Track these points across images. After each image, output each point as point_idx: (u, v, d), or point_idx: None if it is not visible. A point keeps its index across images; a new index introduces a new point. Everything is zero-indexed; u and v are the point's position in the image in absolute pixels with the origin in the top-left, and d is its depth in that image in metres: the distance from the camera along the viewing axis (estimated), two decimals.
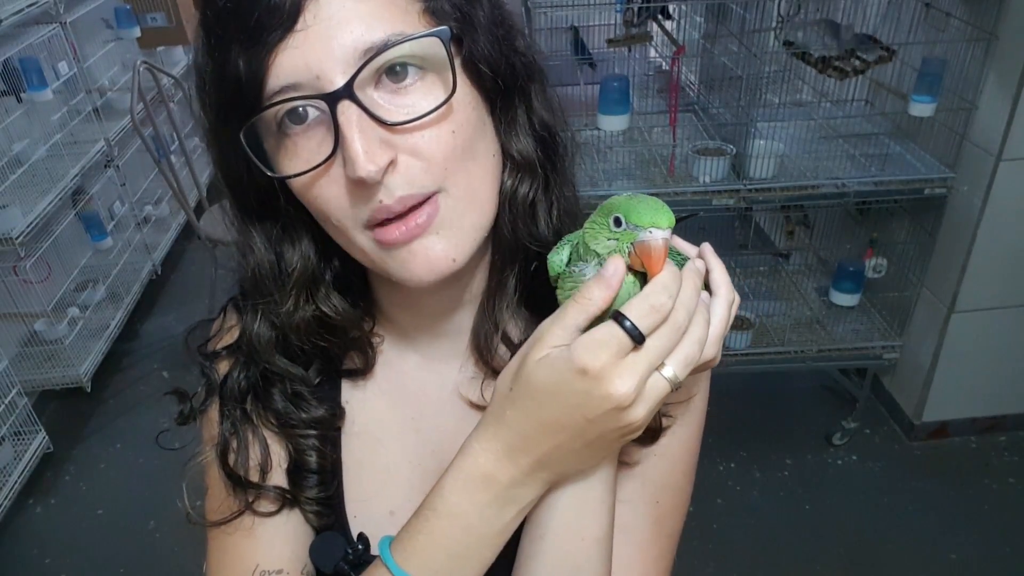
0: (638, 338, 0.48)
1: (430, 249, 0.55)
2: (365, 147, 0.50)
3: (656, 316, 0.49)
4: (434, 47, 0.52)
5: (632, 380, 0.48)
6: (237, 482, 0.66)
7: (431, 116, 0.52)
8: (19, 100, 2.68)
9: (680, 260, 0.54)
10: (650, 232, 0.50)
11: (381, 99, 0.52)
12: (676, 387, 0.50)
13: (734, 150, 2.17)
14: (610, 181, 2.19)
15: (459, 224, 0.56)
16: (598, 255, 0.53)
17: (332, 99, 0.50)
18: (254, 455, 0.67)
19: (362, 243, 0.56)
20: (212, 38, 0.52)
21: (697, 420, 0.70)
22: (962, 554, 2.18)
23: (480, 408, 0.67)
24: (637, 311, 0.48)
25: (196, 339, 0.72)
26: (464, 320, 0.68)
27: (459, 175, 0.55)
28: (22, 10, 2.55)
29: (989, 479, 2.40)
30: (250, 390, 0.67)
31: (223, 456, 0.67)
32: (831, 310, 2.52)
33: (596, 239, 0.53)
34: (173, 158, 3.36)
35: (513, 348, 0.66)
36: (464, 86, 0.55)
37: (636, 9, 2.34)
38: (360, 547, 0.66)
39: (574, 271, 0.55)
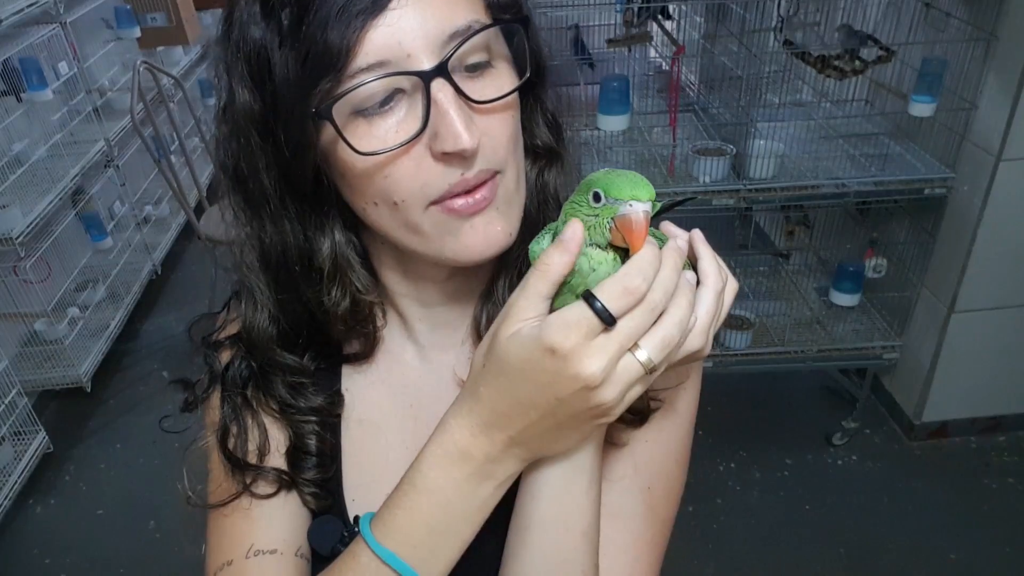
0: (608, 319, 0.48)
1: (490, 224, 0.58)
2: (464, 122, 0.53)
3: (629, 298, 0.48)
4: (498, 38, 0.57)
5: (601, 361, 0.48)
6: (236, 464, 0.67)
7: (502, 100, 0.56)
8: (19, 100, 2.68)
9: (659, 239, 0.54)
10: (630, 205, 0.49)
11: (462, 82, 0.54)
12: (651, 370, 0.49)
13: (734, 150, 2.17)
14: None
15: (514, 203, 0.59)
16: (587, 242, 0.52)
17: (428, 76, 0.52)
18: (253, 439, 0.68)
19: (420, 219, 0.57)
20: (293, 13, 0.52)
21: (689, 408, 0.70)
22: (962, 554, 2.18)
23: None
24: (609, 292, 0.48)
25: (199, 330, 0.73)
26: (465, 310, 0.69)
27: (513, 158, 0.58)
28: (22, 10, 2.55)
29: (989, 479, 2.40)
30: (251, 378, 0.68)
31: (223, 440, 0.68)
32: (831, 310, 2.52)
33: (576, 217, 0.52)
34: (173, 158, 3.36)
35: None
36: (515, 77, 0.58)
37: (636, 9, 2.34)
38: (357, 530, 0.66)
39: None
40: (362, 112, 0.54)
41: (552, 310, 0.51)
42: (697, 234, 0.56)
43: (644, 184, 0.50)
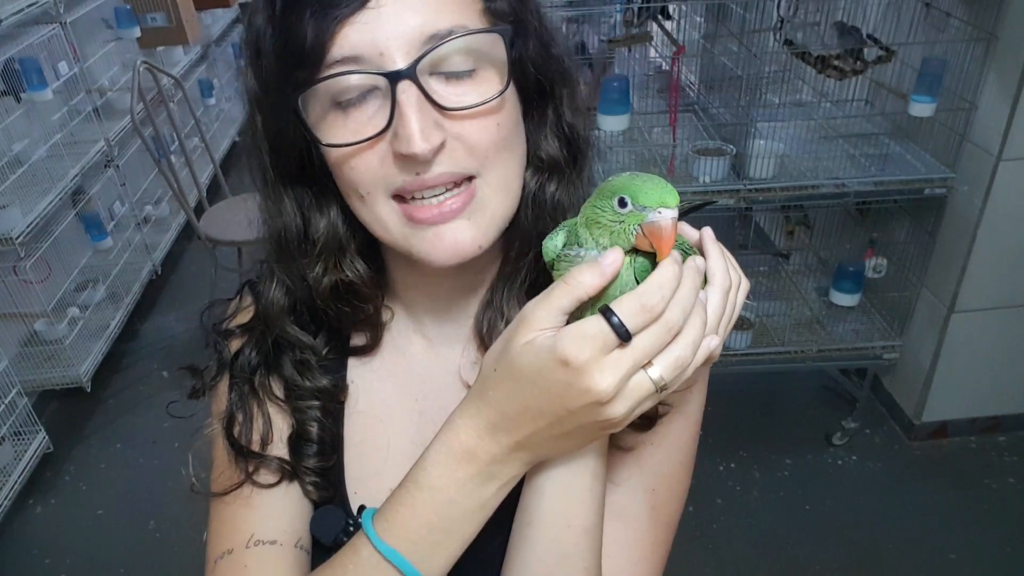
0: (624, 335, 0.48)
1: (458, 232, 0.58)
2: (421, 126, 0.53)
3: (646, 315, 0.48)
4: (491, 44, 0.56)
5: (614, 377, 0.48)
6: (239, 451, 0.68)
7: (482, 107, 0.55)
8: (18, 100, 2.67)
9: (682, 245, 0.54)
10: (659, 212, 0.49)
11: (437, 86, 0.55)
12: (661, 388, 0.50)
13: (734, 150, 2.17)
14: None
15: (490, 212, 0.59)
16: (596, 242, 0.52)
17: (394, 77, 0.53)
18: (257, 428, 0.69)
19: (386, 215, 0.58)
20: (283, 5, 0.54)
21: (695, 411, 0.70)
22: (962, 554, 2.18)
23: None
24: (627, 308, 0.48)
25: (212, 317, 0.74)
26: (471, 305, 0.70)
27: (497, 166, 0.58)
28: (22, 10, 2.55)
29: (989, 479, 2.40)
30: (260, 365, 0.69)
31: (228, 427, 0.68)
32: (831, 310, 2.52)
33: (598, 222, 0.52)
34: (173, 158, 3.37)
35: None
36: (510, 87, 0.58)
37: (636, 9, 2.34)
38: (359, 520, 0.66)
39: (569, 254, 0.55)
40: (340, 104, 0.55)
41: (568, 320, 0.51)
42: (707, 232, 0.56)
43: (671, 190, 0.50)
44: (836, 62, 2.15)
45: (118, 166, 3.19)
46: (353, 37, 0.52)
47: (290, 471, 0.68)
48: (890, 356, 2.44)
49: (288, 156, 0.61)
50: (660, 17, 2.40)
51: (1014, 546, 2.19)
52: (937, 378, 2.40)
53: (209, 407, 0.72)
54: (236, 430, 0.68)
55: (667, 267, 0.49)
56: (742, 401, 2.69)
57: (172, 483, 2.41)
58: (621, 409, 0.50)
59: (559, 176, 0.64)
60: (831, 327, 2.48)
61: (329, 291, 0.65)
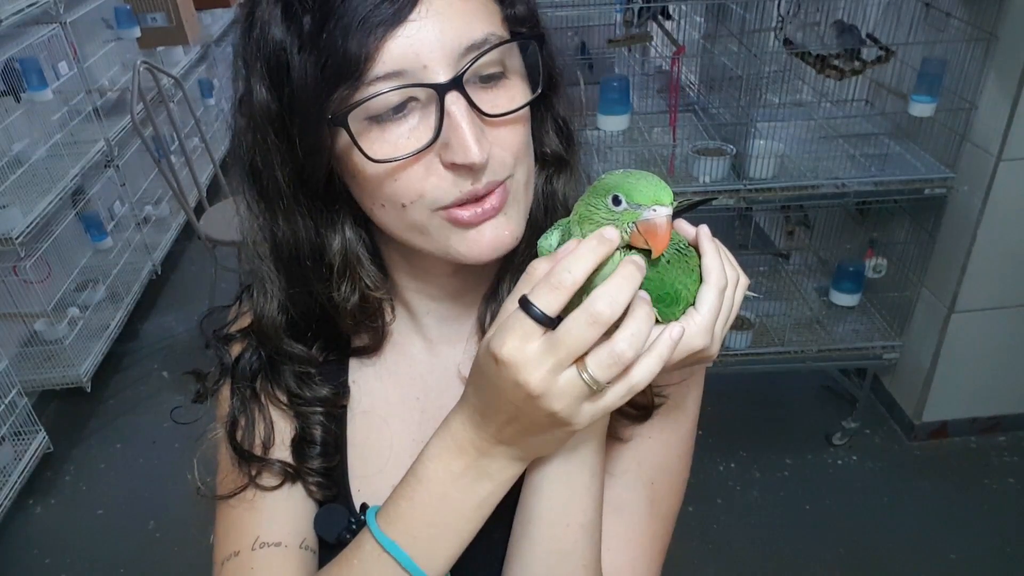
0: (543, 320, 0.48)
1: (498, 229, 0.58)
2: (475, 136, 0.53)
3: (556, 293, 0.47)
4: (513, 51, 0.58)
5: (539, 371, 0.48)
6: (242, 455, 0.68)
7: (517, 113, 0.57)
8: (18, 100, 2.68)
9: (678, 243, 0.54)
10: (654, 210, 0.49)
11: (475, 95, 0.55)
12: (597, 389, 0.49)
13: (734, 150, 2.17)
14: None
15: (521, 207, 0.60)
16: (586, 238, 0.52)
17: (443, 89, 0.53)
18: (259, 432, 0.69)
19: (426, 221, 0.58)
20: (314, 18, 0.52)
21: (692, 405, 0.71)
22: (962, 554, 2.18)
23: None
24: (539, 290, 0.48)
25: (211, 323, 0.74)
26: (472, 304, 0.70)
27: (523, 164, 0.59)
28: (22, 10, 2.55)
29: (989, 479, 2.40)
30: (261, 370, 0.70)
31: (231, 431, 0.69)
32: (831, 310, 2.52)
33: (592, 220, 0.51)
34: (173, 158, 3.37)
35: None
36: (528, 89, 0.59)
37: (636, 9, 2.34)
38: (363, 518, 0.67)
39: None
40: (375, 118, 0.55)
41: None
42: (703, 229, 0.56)
43: (665, 188, 0.50)
44: (835, 62, 2.15)
45: (118, 166, 3.19)
46: (396, 51, 0.52)
47: (293, 473, 0.69)
48: (890, 356, 2.44)
49: (312, 178, 0.59)
50: (660, 17, 2.40)
51: (1014, 546, 2.19)
52: (937, 378, 2.40)
53: (213, 411, 0.73)
54: (239, 434, 0.69)
55: (581, 244, 0.48)
56: (742, 401, 2.69)
57: (172, 483, 2.41)
58: (560, 405, 0.49)
59: (563, 170, 0.66)
60: (831, 327, 2.48)
61: (358, 308, 0.65)
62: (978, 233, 2.14)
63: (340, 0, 0.51)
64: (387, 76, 0.52)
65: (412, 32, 0.52)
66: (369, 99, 0.53)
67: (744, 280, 0.56)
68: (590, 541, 0.60)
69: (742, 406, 2.67)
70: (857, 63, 2.15)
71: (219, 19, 4.67)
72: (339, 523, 0.67)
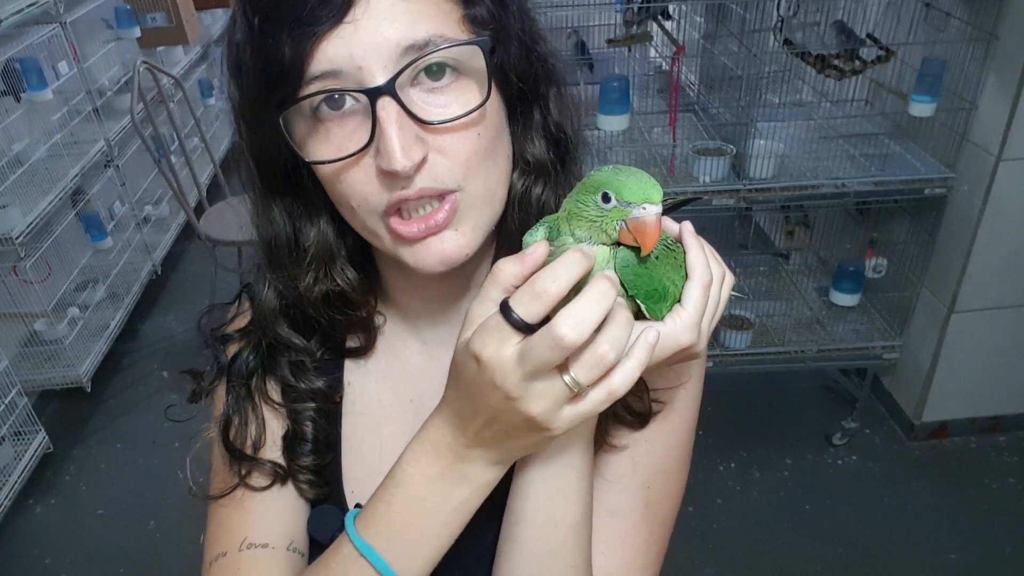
0: (520, 326, 0.47)
1: (445, 243, 0.57)
2: (403, 143, 0.52)
3: (538, 302, 0.47)
4: (472, 53, 0.55)
5: (516, 373, 0.48)
6: (233, 454, 0.68)
7: (462, 119, 0.54)
8: (18, 100, 2.68)
9: (664, 240, 0.54)
10: (643, 208, 0.49)
11: (417, 97, 0.54)
12: (578, 391, 0.48)
13: (734, 150, 2.17)
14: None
15: (474, 220, 0.58)
16: (573, 235, 0.52)
17: (374, 94, 0.52)
18: (251, 431, 0.69)
19: (377, 227, 0.58)
20: (259, 20, 0.53)
21: (690, 408, 0.70)
22: (962, 554, 2.18)
23: None
24: (519, 296, 0.48)
25: (210, 322, 0.74)
26: (466, 307, 0.69)
27: (479, 175, 0.57)
28: (22, 10, 2.55)
29: (989, 479, 2.41)
30: (257, 368, 0.70)
31: (224, 430, 0.69)
32: (831, 310, 2.52)
33: (581, 216, 0.51)
34: (173, 158, 3.36)
35: None
36: (492, 93, 0.57)
37: (636, 9, 2.34)
38: None
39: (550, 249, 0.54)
40: (321, 119, 0.55)
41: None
42: (687, 226, 0.56)
43: (654, 185, 0.49)
44: (835, 62, 2.15)
45: (118, 166, 3.19)
46: (331, 52, 0.52)
47: (283, 474, 0.69)
48: (890, 356, 2.44)
49: (274, 169, 0.61)
50: (660, 17, 2.40)
51: (1014, 546, 2.19)
52: (937, 378, 2.40)
53: (208, 410, 0.73)
54: (232, 433, 0.69)
55: (567, 255, 0.48)
56: (742, 401, 2.69)
57: (172, 483, 2.41)
58: (538, 408, 0.49)
59: (545, 178, 0.63)
60: (831, 327, 2.48)
61: (320, 300, 0.65)
62: (978, 233, 2.14)
63: (281, 2, 0.52)
64: (322, 76, 0.53)
65: (347, 34, 0.52)
66: (301, 99, 0.53)
67: (730, 277, 0.56)
68: (579, 542, 0.60)
69: (742, 406, 2.67)
70: (857, 63, 2.15)
71: (219, 19, 4.67)
72: (332, 524, 0.67)
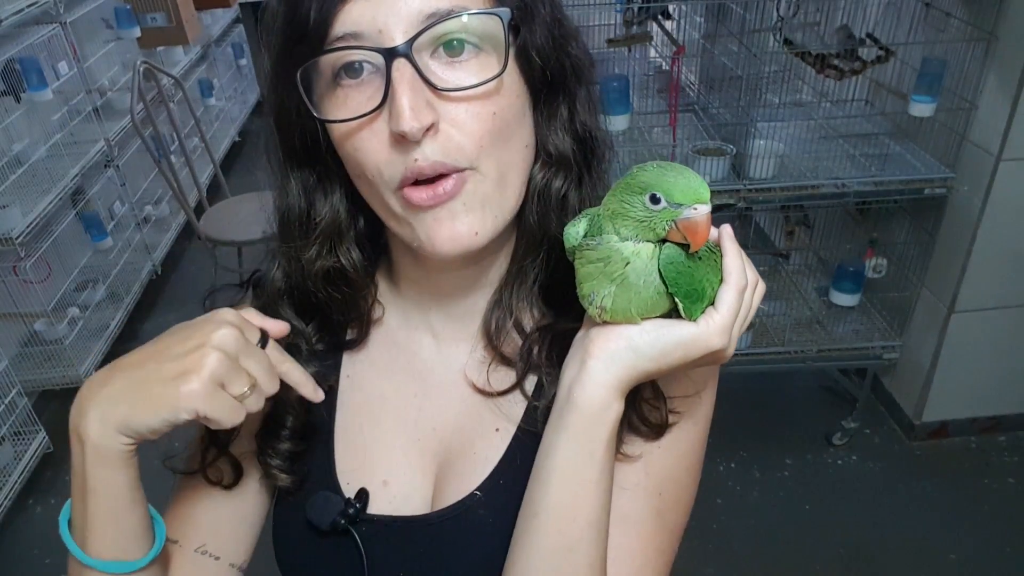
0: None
1: (456, 218, 0.57)
2: (412, 103, 0.53)
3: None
4: (493, 27, 0.55)
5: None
6: (212, 438, 0.69)
7: (478, 90, 0.55)
8: (18, 100, 2.68)
9: (711, 247, 0.55)
10: (695, 209, 0.49)
11: (435, 67, 0.55)
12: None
13: (734, 150, 2.17)
14: (609, 185, 2.19)
15: (486, 203, 0.58)
16: (619, 233, 0.53)
17: (390, 55, 0.53)
18: None
19: (392, 202, 0.58)
20: None
21: (703, 416, 0.70)
22: (962, 554, 2.18)
23: (483, 393, 0.68)
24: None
25: (213, 303, 0.73)
26: (479, 304, 0.69)
27: (492, 157, 0.57)
28: (22, 10, 2.55)
29: (989, 479, 2.41)
30: None
31: None
32: (831, 310, 2.52)
33: (628, 216, 0.52)
34: (173, 158, 3.37)
35: (524, 336, 0.66)
36: (513, 73, 0.57)
37: (636, 9, 2.34)
38: (358, 505, 0.67)
39: (589, 244, 0.55)
40: (341, 82, 0.56)
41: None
42: (726, 230, 0.57)
43: (703, 184, 0.50)
44: (835, 61, 2.15)
45: (118, 166, 3.19)
46: (355, 14, 0.53)
47: (234, 478, 0.70)
48: (890, 356, 2.44)
49: (292, 133, 0.61)
50: (660, 17, 2.40)
51: (1014, 546, 2.19)
52: (937, 378, 2.40)
53: None
54: None
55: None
56: (742, 401, 2.69)
57: (172, 483, 2.40)
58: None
59: (566, 172, 0.63)
60: (831, 327, 2.48)
61: (321, 275, 0.65)
62: (978, 233, 2.14)
63: None
64: (344, 37, 0.53)
65: None
66: (321, 54, 0.54)
67: (762, 285, 0.58)
68: (597, 539, 0.59)
69: (742, 406, 2.67)
70: (857, 63, 2.15)
71: (219, 19, 4.67)
72: (333, 509, 0.67)
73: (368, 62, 0.55)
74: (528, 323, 0.67)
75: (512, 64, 0.57)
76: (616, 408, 0.57)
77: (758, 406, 2.72)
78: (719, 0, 2.37)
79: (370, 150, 0.56)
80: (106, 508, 0.57)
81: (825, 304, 2.54)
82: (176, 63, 3.96)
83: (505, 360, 0.67)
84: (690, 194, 0.49)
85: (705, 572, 2.16)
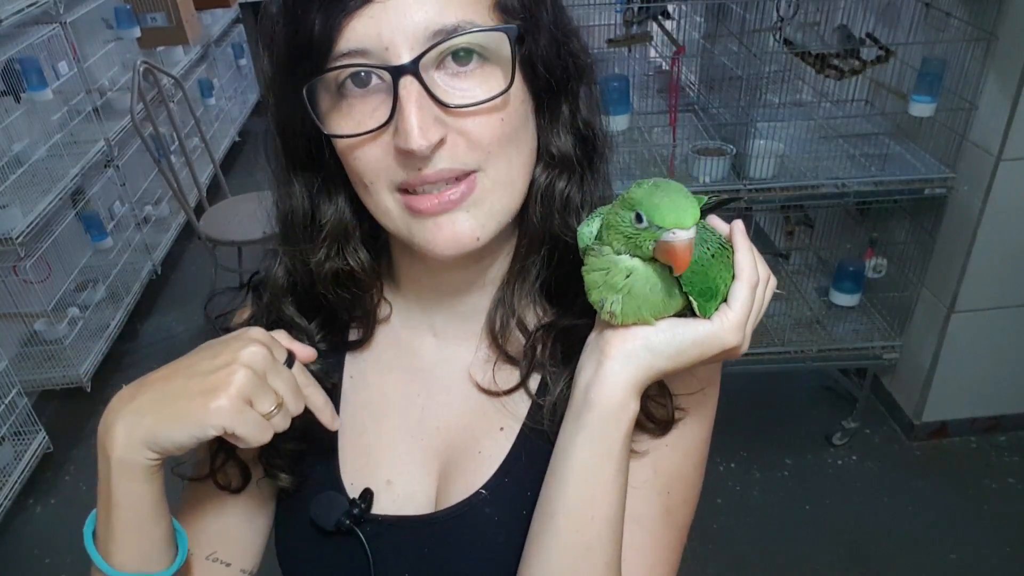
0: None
1: (457, 223, 0.57)
2: (420, 122, 0.53)
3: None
4: (499, 40, 0.55)
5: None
6: (221, 442, 0.68)
7: (484, 105, 0.55)
8: (18, 100, 2.68)
9: (715, 239, 0.55)
10: (673, 233, 0.49)
11: (441, 80, 0.55)
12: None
13: (734, 150, 2.17)
14: (610, 181, 2.19)
15: (489, 205, 0.59)
16: (612, 246, 0.53)
17: (397, 72, 0.53)
18: None
19: (390, 205, 0.58)
20: None
21: (708, 413, 0.70)
22: (962, 554, 2.18)
23: (487, 392, 0.68)
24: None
25: (214, 308, 0.74)
26: (482, 302, 0.69)
27: (499, 160, 0.57)
28: (22, 10, 2.55)
29: (989, 479, 2.41)
30: None
31: None
32: (831, 310, 2.52)
33: (616, 230, 0.52)
34: (173, 158, 3.37)
35: (528, 335, 0.66)
36: (518, 82, 0.57)
37: (636, 9, 2.34)
38: (363, 504, 0.67)
39: (595, 249, 0.55)
40: (345, 95, 0.56)
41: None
42: (737, 226, 0.57)
43: (688, 208, 0.49)
44: (835, 61, 2.15)
45: (118, 166, 3.19)
46: (360, 30, 0.53)
47: (248, 478, 0.70)
48: (890, 356, 2.44)
49: (297, 142, 0.61)
50: (660, 17, 2.40)
51: (1014, 546, 2.19)
52: (937, 378, 2.40)
53: None
54: None
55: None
56: (742, 401, 2.69)
57: (172, 483, 2.40)
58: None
59: (569, 173, 0.63)
60: (831, 327, 2.48)
61: (331, 277, 0.65)
62: (978, 233, 2.14)
63: None
64: (349, 54, 0.53)
65: (376, 13, 0.52)
66: (327, 71, 0.54)
67: (773, 280, 0.57)
68: (613, 537, 0.59)
69: (742, 406, 2.67)
70: (856, 63, 2.15)
71: (219, 19, 4.67)
72: (337, 509, 0.67)
73: (378, 76, 0.55)
74: (531, 321, 0.67)
75: (518, 73, 0.57)
76: (633, 407, 0.57)
77: (758, 406, 2.72)
78: (719, 0, 2.36)
79: (371, 159, 0.56)
80: (130, 521, 0.58)
81: (825, 304, 2.54)
82: (176, 63, 3.96)
83: (509, 359, 0.67)
84: (670, 218, 0.49)
85: (705, 572, 2.16)
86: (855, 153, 2.26)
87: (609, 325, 0.57)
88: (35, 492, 2.51)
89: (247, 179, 4.27)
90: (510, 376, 0.67)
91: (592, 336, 0.60)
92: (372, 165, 0.57)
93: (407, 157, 0.55)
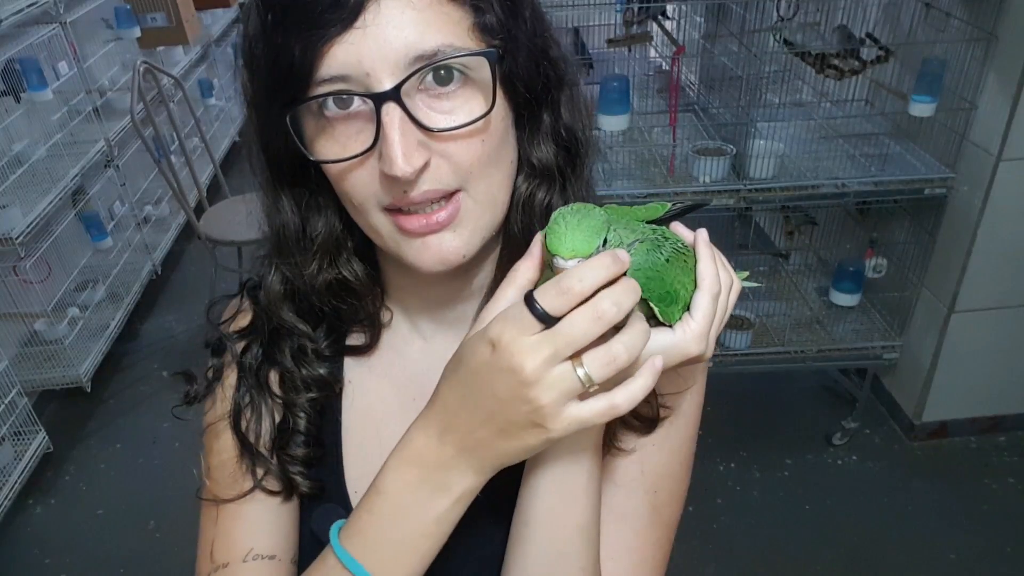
0: (543, 317, 0.48)
1: (444, 243, 0.58)
2: (404, 149, 0.53)
3: (563, 298, 0.47)
4: (478, 63, 0.55)
5: (535, 358, 0.48)
6: (250, 451, 0.68)
7: (467, 128, 0.55)
8: (18, 100, 2.68)
9: (669, 244, 0.55)
10: (559, 260, 0.50)
11: (422, 102, 0.55)
12: (590, 386, 0.49)
13: (734, 150, 2.18)
14: (610, 181, 2.19)
15: (475, 223, 0.59)
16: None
17: (379, 99, 0.53)
18: (266, 426, 0.69)
19: (379, 224, 0.59)
20: (272, 20, 0.54)
21: (694, 411, 0.71)
22: (962, 554, 2.18)
23: None
24: (544, 289, 0.49)
25: (216, 315, 0.74)
26: (469, 310, 0.70)
27: (482, 179, 0.58)
28: (22, 10, 2.55)
29: (989, 479, 2.41)
30: (263, 362, 0.69)
31: (236, 424, 0.68)
32: (831, 310, 2.52)
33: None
34: (173, 158, 3.36)
35: None
36: (499, 99, 0.57)
37: (636, 9, 2.35)
38: None
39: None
40: (328, 119, 0.56)
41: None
42: (701, 235, 0.56)
43: (573, 241, 0.49)
44: (834, 61, 2.15)
45: (118, 166, 3.19)
46: (340, 57, 0.52)
47: (288, 485, 0.68)
48: (890, 356, 2.44)
49: (282, 160, 0.61)
50: (660, 17, 2.40)
51: (1014, 546, 2.19)
52: (937, 378, 2.40)
53: (210, 409, 0.72)
54: (244, 427, 0.68)
55: (597, 258, 0.49)
56: (742, 401, 2.69)
57: (172, 483, 2.41)
58: (547, 397, 0.48)
59: (550, 182, 0.64)
60: (831, 327, 2.48)
61: (325, 288, 0.65)
62: (978, 233, 2.14)
63: (292, 3, 0.52)
64: (331, 80, 0.53)
65: (357, 39, 0.52)
66: (309, 100, 0.54)
67: (737, 284, 0.57)
68: (587, 543, 0.60)
69: (742, 406, 2.67)
70: (856, 63, 2.15)
71: (219, 19, 4.67)
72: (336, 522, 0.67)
73: (362, 101, 0.55)
74: None
75: (499, 92, 0.57)
76: None
77: (758, 406, 2.72)
78: (719, 0, 2.36)
79: (358, 182, 0.57)
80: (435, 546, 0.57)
81: (825, 304, 2.54)
82: (176, 63, 3.96)
83: None
84: (554, 244, 0.50)
85: (705, 572, 2.16)
86: (855, 153, 2.26)
87: None
88: (35, 492, 2.51)
89: (247, 179, 4.24)
90: None
91: None
92: (360, 188, 0.57)
93: (392, 181, 0.55)
